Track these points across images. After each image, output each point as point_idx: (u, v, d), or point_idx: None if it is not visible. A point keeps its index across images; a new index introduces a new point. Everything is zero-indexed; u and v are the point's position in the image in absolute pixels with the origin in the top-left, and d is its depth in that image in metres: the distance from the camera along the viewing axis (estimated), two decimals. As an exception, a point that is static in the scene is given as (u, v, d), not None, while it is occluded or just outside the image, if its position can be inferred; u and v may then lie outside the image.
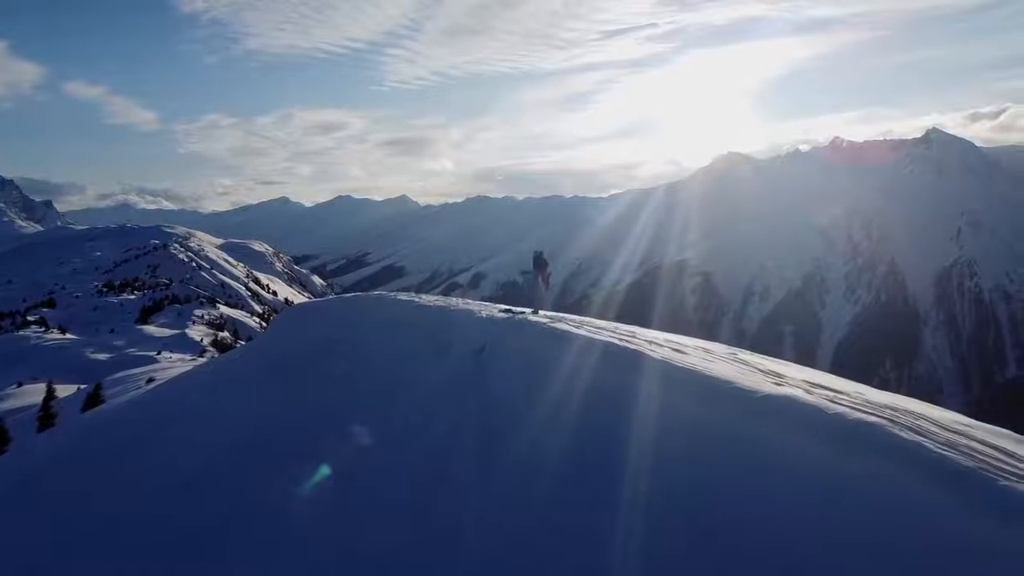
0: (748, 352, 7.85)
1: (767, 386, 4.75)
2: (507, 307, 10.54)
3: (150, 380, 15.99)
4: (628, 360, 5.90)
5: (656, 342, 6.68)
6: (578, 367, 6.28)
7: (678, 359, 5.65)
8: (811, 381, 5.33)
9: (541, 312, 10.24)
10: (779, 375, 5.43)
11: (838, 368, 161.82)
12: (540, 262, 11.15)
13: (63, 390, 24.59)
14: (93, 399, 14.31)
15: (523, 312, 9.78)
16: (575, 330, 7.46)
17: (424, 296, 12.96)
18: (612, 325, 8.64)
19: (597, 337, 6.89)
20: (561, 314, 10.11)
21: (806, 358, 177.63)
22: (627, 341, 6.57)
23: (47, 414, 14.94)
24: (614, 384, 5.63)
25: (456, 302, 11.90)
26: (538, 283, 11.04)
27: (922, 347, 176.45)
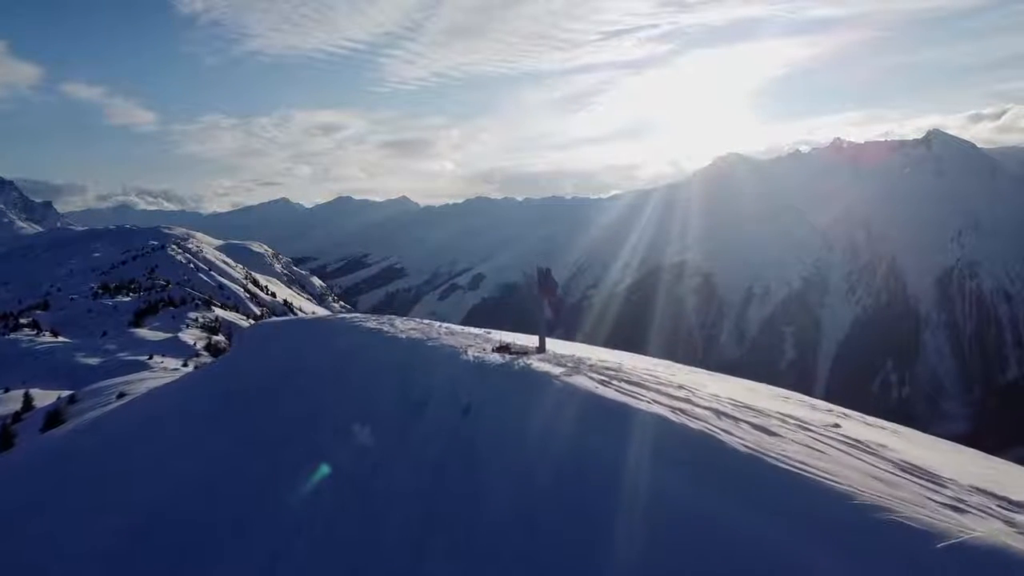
0: (842, 411, 5.78)
1: (944, 515, 2.68)
2: (503, 343, 8.47)
3: (121, 395, 15.49)
4: (697, 458, 3.71)
5: (725, 411, 4.47)
6: (611, 465, 3.94)
7: (771, 448, 3.53)
8: (988, 490, 3.12)
9: (549, 349, 8.25)
10: (931, 474, 3.31)
11: (839, 369, 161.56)
12: (546, 281, 8.84)
13: (47, 396, 24.09)
14: (54, 418, 13.76)
15: (525, 353, 7.68)
16: (600, 389, 5.30)
17: (399, 321, 10.96)
18: (654, 374, 6.33)
19: (638, 405, 4.71)
20: (578, 354, 7.87)
21: (807, 359, 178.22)
22: (683, 410, 4.48)
23: (7, 434, 14.40)
24: (681, 507, 3.41)
25: (438, 329, 9.89)
26: (544, 309, 8.74)
27: (923, 348, 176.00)
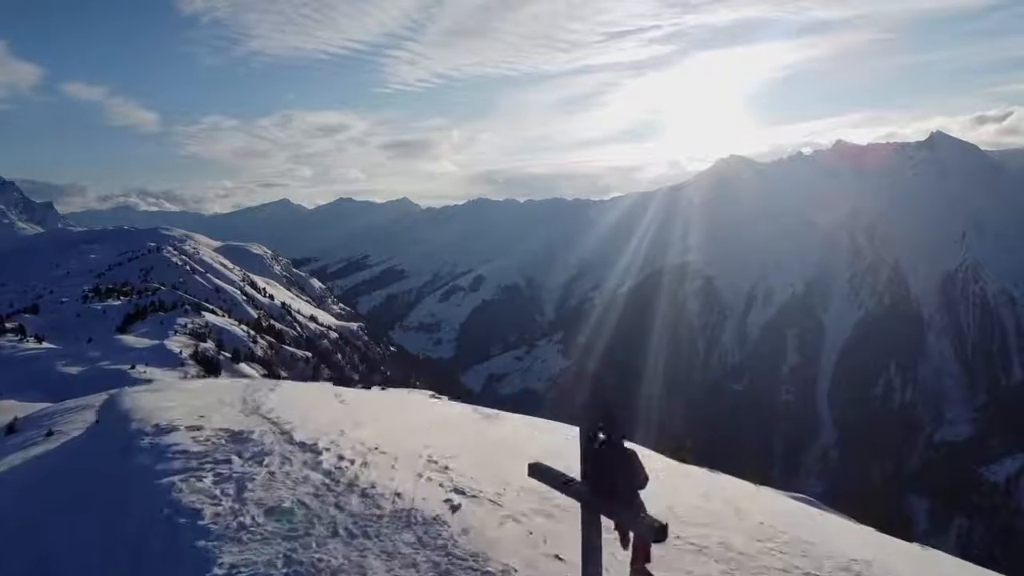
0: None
1: None
2: None
3: (50, 433, 14.48)
4: None
5: None
6: None
7: None
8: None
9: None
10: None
11: (842, 373, 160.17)
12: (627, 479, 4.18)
13: (9, 411, 23.02)
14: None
15: None
16: None
17: (296, 457, 6.87)
18: None
19: None
20: None
21: (809, 363, 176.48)
22: None
23: None
24: None
25: (344, 493, 5.94)
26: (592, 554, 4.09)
27: (927, 352, 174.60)
